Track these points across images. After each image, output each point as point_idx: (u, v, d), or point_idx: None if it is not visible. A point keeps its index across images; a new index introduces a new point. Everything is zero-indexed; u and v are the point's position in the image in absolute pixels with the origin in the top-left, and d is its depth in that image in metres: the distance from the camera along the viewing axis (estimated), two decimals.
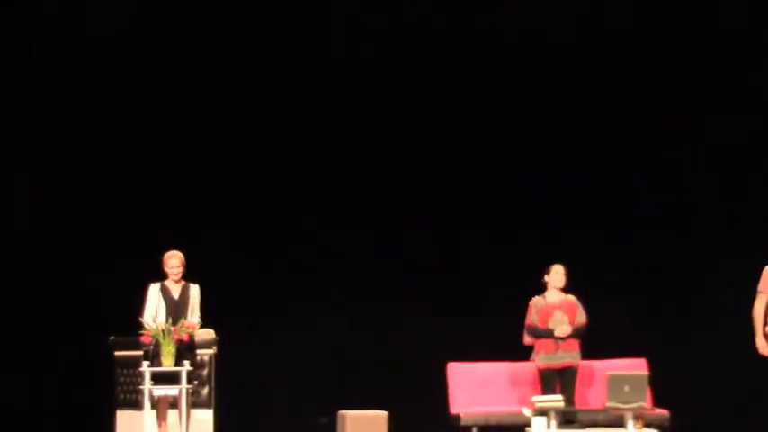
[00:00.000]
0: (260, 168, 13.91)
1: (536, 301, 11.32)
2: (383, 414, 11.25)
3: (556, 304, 11.30)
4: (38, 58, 13.26)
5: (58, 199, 13.54)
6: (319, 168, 13.91)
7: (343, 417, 11.32)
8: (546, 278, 11.39)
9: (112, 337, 11.96)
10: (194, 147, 13.69)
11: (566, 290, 11.37)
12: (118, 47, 13.42)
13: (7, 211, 13.28)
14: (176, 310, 10.77)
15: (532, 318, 11.30)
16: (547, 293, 11.38)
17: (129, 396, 11.80)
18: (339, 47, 13.59)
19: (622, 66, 13.60)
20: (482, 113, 13.65)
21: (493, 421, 11.38)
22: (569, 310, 11.27)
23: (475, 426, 11.35)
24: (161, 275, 10.95)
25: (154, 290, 10.89)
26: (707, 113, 13.40)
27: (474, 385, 11.63)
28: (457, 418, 11.46)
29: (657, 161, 13.61)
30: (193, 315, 10.86)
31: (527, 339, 11.35)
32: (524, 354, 11.53)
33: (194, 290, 10.96)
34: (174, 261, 10.90)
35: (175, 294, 10.87)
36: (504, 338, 11.77)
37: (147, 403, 10.52)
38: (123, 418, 11.84)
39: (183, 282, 10.92)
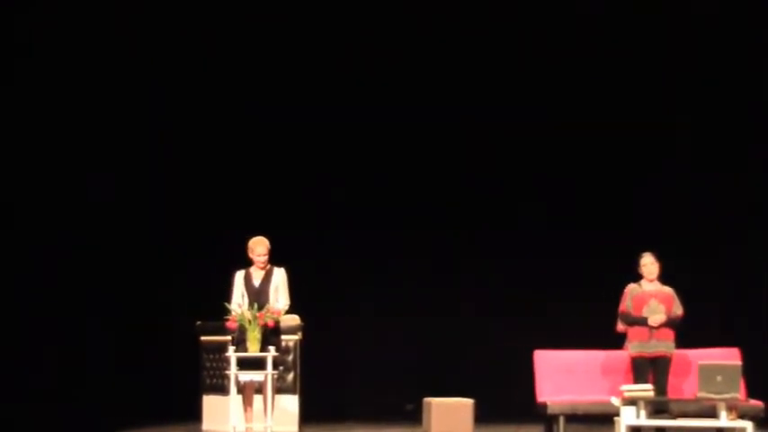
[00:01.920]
0: (344, 155, 14.00)
1: (632, 288, 11.11)
2: (469, 402, 11.10)
3: (652, 293, 11.08)
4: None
5: (146, 186, 13.68)
6: (406, 159, 14.02)
7: (429, 404, 11.18)
8: (639, 269, 11.18)
9: (199, 322, 12.00)
10: (279, 136, 13.89)
11: (662, 280, 11.19)
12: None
13: (97, 196, 13.41)
14: (258, 297, 10.68)
15: (627, 304, 11.08)
16: (642, 282, 11.16)
17: (215, 381, 11.81)
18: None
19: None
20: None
21: (580, 410, 11.20)
22: (665, 300, 11.05)
23: (561, 414, 11.16)
24: (247, 262, 10.84)
25: (239, 277, 10.80)
26: None
27: (561, 373, 11.47)
28: (543, 406, 11.28)
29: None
30: (278, 300, 10.77)
31: (620, 327, 11.14)
32: (614, 343, 11.38)
33: (279, 274, 10.83)
34: (260, 248, 10.76)
35: (256, 282, 10.75)
36: (594, 326, 11.67)
37: (232, 388, 10.44)
38: (209, 402, 11.88)
39: (267, 267, 10.79)
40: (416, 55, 13.72)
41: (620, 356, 11.31)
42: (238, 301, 10.73)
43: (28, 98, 13.09)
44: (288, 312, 10.99)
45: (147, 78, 13.42)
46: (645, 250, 11.11)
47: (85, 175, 13.20)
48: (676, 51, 13.42)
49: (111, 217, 13.52)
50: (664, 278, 11.13)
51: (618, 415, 10.39)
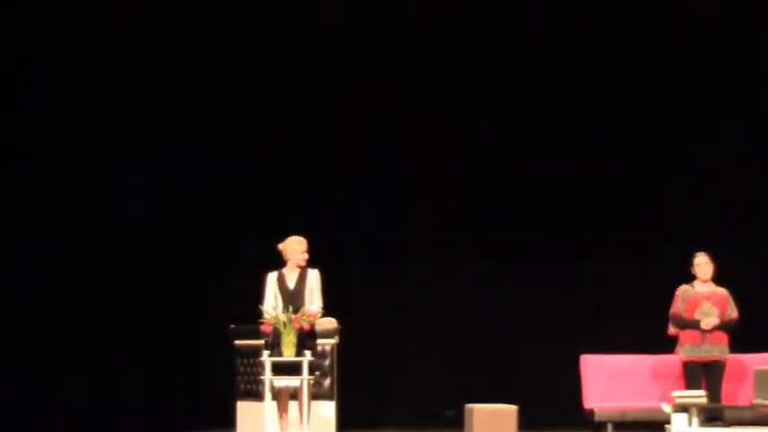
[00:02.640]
0: (380, 151, 13.90)
1: (683, 289, 10.86)
2: (512, 408, 10.89)
3: (704, 295, 10.84)
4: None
5: (175, 187, 13.63)
6: (450, 157, 13.95)
7: (470, 410, 10.97)
8: (693, 269, 10.94)
9: (232, 326, 11.83)
10: (310, 133, 13.82)
11: (716, 282, 10.97)
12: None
13: (125, 198, 13.42)
14: (292, 299, 10.50)
15: (678, 307, 10.84)
16: (695, 283, 10.91)
17: (249, 387, 11.69)
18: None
19: None
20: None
21: (629, 417, 11.01)
22: (719, 303, 10.81)
23: (609, 422, 11.00)
24: (280, 263, 10.68)
25: (272, 279, 10.61)
26: None
27: (609, 379, 11.27)
28: (591, 413, 11.10)
29: None
30: (313, 303, 10.58)
31: (671, 330, 10.91)
32: (665, 347, 11.14)
33: (313, 275, 10.62)
34: (301, 246, 10.60)
35: (291, 284, 10.58)
36: (644, 329, 11.54)
37: (267, 394, 10.29)
38: (244, 409, 11.71)
39: (301, 268, 10.63)
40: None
41: (671, 361, 11.08)
42: (272, 304, 10.54)
43: (34, 93, 13.06)
44: (323, 315, 10.75)
45: (160, 76, 13.44)
46: (699, 250, 10.91)
47: (111, 175, 13.30)
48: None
49: (138, 212, 13.49)
50: (719, 279, 10.94)
51: (669, 422, 10.15)
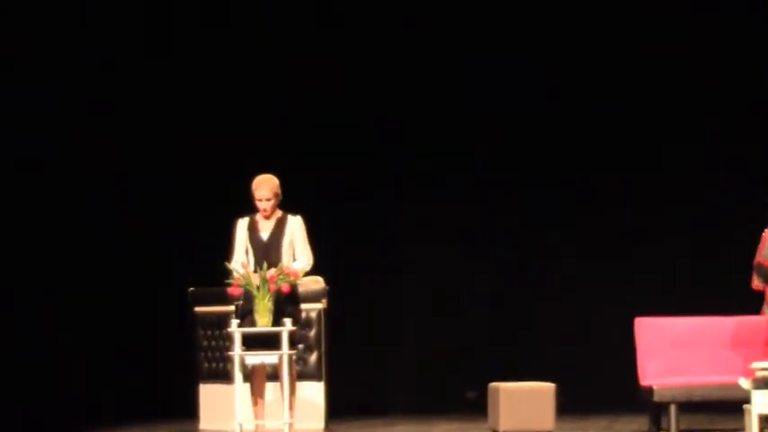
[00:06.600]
0: (381, 97, 13.18)
1: None
2: (549, 386, 9.93)
3: None
4: None
5: (124, 134, 12.99)
6: (454, 103, 13.26)
7: (496, 390, 9.97)
8: None
9: (192, 289, 11.18)
10: (291, 73, 13.11)
11: None
12: None
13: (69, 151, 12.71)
14: (265, 253, 9.50)
15: (764, 254, 9.73)
16: None
17: (214, 365, 11.08)
18: None
19: None
20: None
21: (697, 396, 9.94)
22: None
23: (673, 402, 9.87)
24: (253, 207, 9.68)
25: (242, 227, 9.60)
26: None
27: (672, 348, 10.27)
28: (649, 391, 10.02)
29: None
30: (297, 258, 9.58)
31: (756, 283, 9.80)
32: (748, 306, 10.08)
33: (295, 223, 9.63)
34: (262, 191, 9.49)
35: (264, 233, 9.56)
36: (717, 284, 11.21)
37: (237, 375, 9.42)
38: (208, 393, 11.09)
39: (277, 216, 9.60)
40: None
41: (754, 323, 10.06)
42: (242, 260, 9.49)
43: None
44: (309, 273, 9.80)
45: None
46: None
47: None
48: None
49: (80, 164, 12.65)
50: None
51: (748, 402, 9.09)
